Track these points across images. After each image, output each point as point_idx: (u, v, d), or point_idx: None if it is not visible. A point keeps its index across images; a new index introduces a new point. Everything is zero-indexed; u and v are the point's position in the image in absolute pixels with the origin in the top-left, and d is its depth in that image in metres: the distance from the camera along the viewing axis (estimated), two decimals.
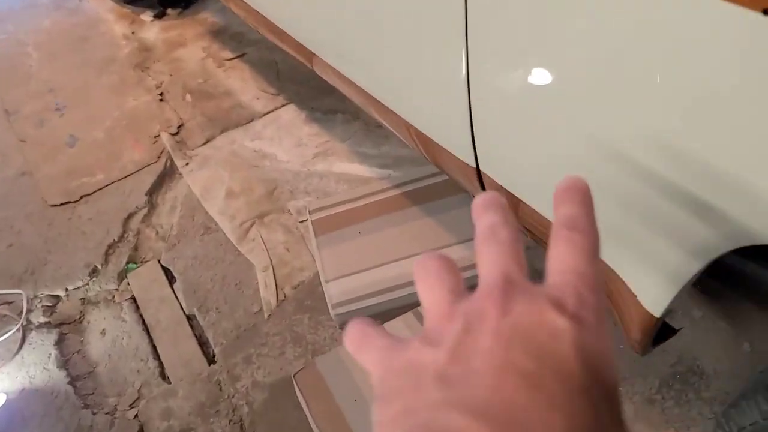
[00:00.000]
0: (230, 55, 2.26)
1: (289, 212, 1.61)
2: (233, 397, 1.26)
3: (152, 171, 1.81)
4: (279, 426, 1.20)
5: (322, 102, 1.95)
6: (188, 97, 2.08)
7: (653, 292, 0.58)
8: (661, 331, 0.68)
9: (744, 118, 0.44)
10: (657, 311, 0.59)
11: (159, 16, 2.59)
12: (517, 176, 0.77)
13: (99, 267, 1.57)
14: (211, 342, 1.36)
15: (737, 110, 0.44)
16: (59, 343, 1.43)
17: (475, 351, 0.22)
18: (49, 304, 1.51)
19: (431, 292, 0.26)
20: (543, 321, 0.22)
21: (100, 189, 1.78)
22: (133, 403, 1.30)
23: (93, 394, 1.33)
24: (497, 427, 0.19)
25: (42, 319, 1.48)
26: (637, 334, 0.66)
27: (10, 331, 1.44)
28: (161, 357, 1.37)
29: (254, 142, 1.85)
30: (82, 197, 1.77)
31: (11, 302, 1.52)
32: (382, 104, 1.16)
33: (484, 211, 0.27)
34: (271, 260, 1.49)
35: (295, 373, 1.16)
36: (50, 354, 1.41)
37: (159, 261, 1.57)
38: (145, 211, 1.70)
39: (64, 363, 1.39)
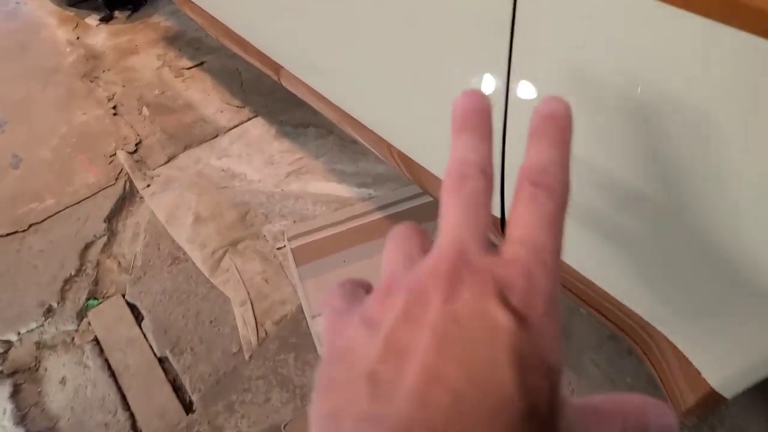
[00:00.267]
0: (188, 63, 2.12)
1: (264, 238, 1.50)
2: None
3: (110, 194, 1.67)
4: None
5: (292, 115, 1.84)
6: (145, 110, 1.93)
7: (725, 377, 0.52)
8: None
9: None
10: (726, 393, 0.53)
11: (106, 19, 2.41)
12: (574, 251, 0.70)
13: (55, 305, 1.43)
14: (188, 388, 1.25)
15: None
16: (14, 395, 1.29)
17: (410, 347, 0.21)
18: (0, 351, 1.36)
19: (388, 255, 0.26)
20: (484, 315, 0.21)
21: (51, 216, 1.63)
22: None
23: None
24: None
25: None
26: (690, 401, 0.61)
27: None
28: (132, 407, 1.24)
29: (221, 161, 1.72)
30: (31, 226, 1.61)
31: None
32: (360, 122, 1.08)
33: (461, 129, 0.26)
34: (248, 293, 1.38)
35: (285, 425, 1.07)
36: (4, 409, 1.26)
37: (123, 296, 1.44)
38: (104, 239, 1.56)
39: (21, 418, 1.25)
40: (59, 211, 1.63)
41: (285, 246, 1.45)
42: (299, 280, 1.36)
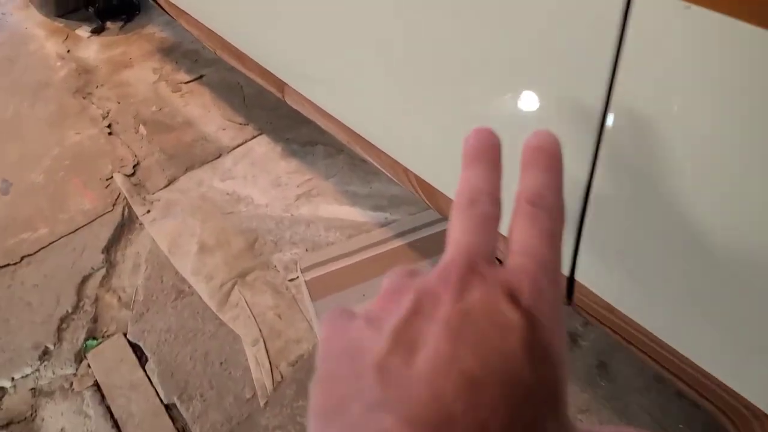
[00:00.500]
0: (186, 77, 2.01)
1: (275, 268, 1.41)
2: None
3: (107, 222, 1.56)
4: None
5: (299, 132, 1.74)
6: (142, 129, 1.83)
7: None
8: None
9: None
10: None
11: (97, 31, 2.30)
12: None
13: (51, 347, 1.32)
14: None
15: None
16: None
17: (420, 341, 0.21)
18: None
19: (388, 279, 0.25)
20: (496, 312, 0.21)
21: (45, 247, 1.52)
22: None
23: None
24: None
25: None
26: None
27: None
28: None
29: (225, 183, 1.62)
30: (23, 258, 1.50)
31: None
32: (372, 144, 1.00)
33: (473, 161, 0.26)
34: (260, 331, 1.28)
35: None
36: None
37: (125, 335, 1.33)
38: (102, 272, 1.46)
39: None
40: (53, 242, 1.53)
41: (298, 277, 1.36)
42: (315, 316, 1.26)
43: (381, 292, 0.25)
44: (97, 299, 1.41)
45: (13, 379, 1.28)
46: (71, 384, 1.27)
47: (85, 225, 1.56)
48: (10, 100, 2.00)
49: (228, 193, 1.59)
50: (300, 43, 1.02)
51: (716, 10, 0.37)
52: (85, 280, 1.44)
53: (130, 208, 1.59)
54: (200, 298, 1.37)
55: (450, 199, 0.80)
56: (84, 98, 1.98)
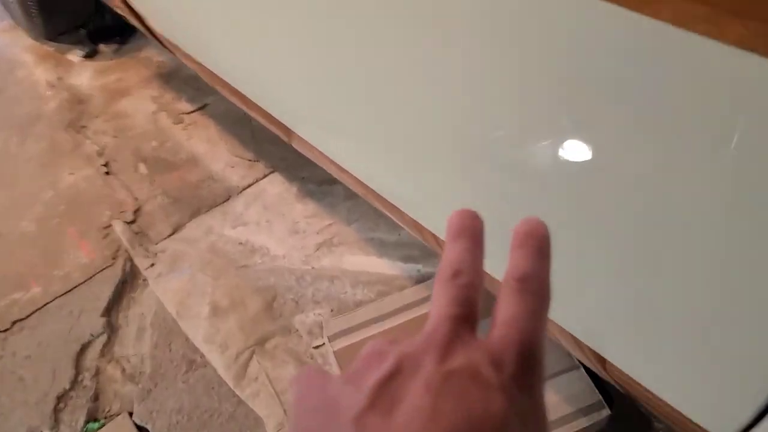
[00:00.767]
0: (188, 106, 1.86)
1: (297, 333, 1.26)
2: None
3: (107, 278, 1.41)
4: None
5: (315, 169, 1.58)
6: (142, 167, 1.67)
7: None
8: None
9: None
10: None
11: (90, 55, 2.14)
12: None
13: None
14: None
15: None
16: None
17: (400, 397, 0.20)
18: None
19: (369, 345, 0.25)
20: (478, 375, 0.21)
21: (39, 309, 1.37)
22: None
23: None
24: None
25: None
26: None
27: None
28: None
29: (237, 230, 1.47)
30: (14, 323, 1.35)
31: None
32: (392, 203, 0.95)
33: (456, 238, 0.26)
34: (284, 411, 1.13)
35: None
36: None
37: (130, 414, 1.18)
38: (103, 338, 1.30)
39: None
40: (48, 303, 1.37)
41: (324, 344, 1.21)
42: None
43: (360, 357, 0.24)
44: (97, 372, 1.25)
45: None
46: None
47: (83, 282, 1.40)
48: None
49: (241, 243, 1.44)
50: (310, 95, 0.95)
51: None
52: (83, 348, 1.29)
53: (132, 261, 1.43)
54: (215, 370, 1.21)
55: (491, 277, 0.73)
56: (78, 132, 1.82)
